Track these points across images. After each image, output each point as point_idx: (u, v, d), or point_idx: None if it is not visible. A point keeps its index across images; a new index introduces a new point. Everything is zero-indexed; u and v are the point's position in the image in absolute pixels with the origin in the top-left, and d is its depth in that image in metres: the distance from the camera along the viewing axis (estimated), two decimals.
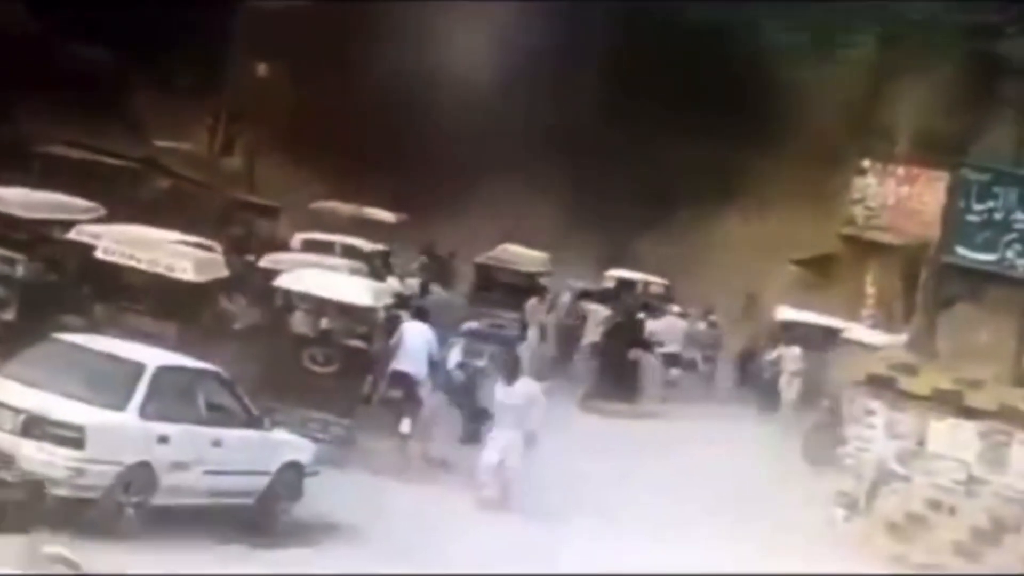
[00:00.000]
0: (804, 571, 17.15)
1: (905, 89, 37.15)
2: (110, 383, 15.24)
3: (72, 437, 14.58)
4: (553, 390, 21.49)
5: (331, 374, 20.54)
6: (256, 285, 22.32)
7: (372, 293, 21.77)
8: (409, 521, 17.28)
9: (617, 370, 27.75)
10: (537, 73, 39.23)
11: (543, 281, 32.25)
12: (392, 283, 25.98)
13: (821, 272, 38.53)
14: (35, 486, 13.88)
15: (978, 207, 21.08)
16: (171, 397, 15.53)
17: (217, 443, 15.87)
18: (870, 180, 38.91)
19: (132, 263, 20.14)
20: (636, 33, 39.40)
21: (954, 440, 19.09)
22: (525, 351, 21.07)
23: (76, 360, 15.57)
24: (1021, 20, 35.57)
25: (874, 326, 30.64)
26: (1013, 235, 20.85)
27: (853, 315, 32.25)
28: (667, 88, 38.25)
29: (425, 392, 21.03)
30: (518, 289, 30.67)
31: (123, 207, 24.82)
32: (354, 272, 24.44)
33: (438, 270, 31.29)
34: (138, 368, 15.42)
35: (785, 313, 30.67)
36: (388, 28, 38.74)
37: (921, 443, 19.37)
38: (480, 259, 32.76)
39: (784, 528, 19.01)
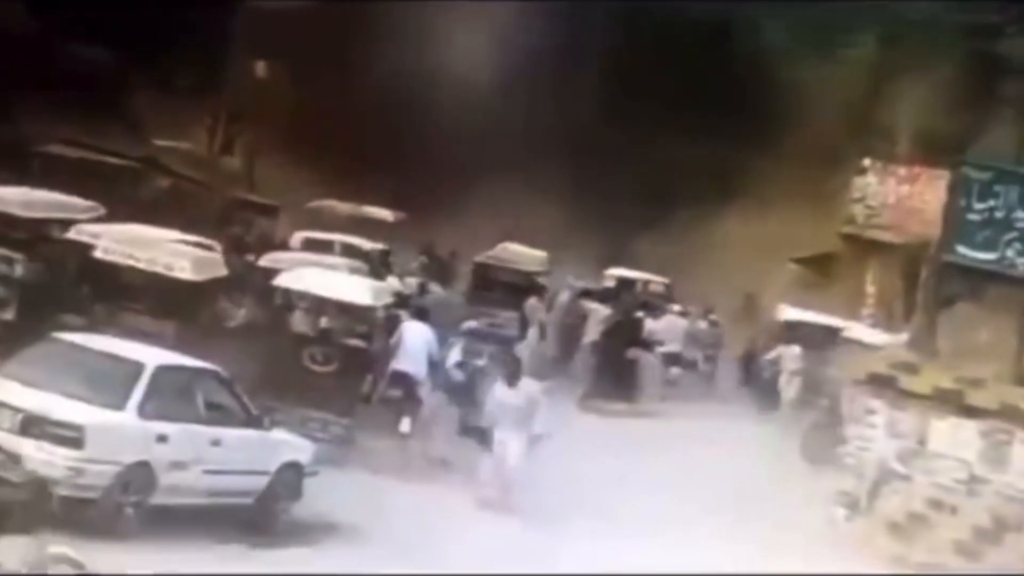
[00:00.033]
0: (805, 571, 17.11)
1: (905, 89, 37.12)
2: (109, 382, 15.23)
3: (71, 436, 14.57)
4: (552, 390, 21.44)
5: (331, 373, 20.51)
6: (255, 284, 22.30)
7: (372, 292, 21.74)
8: (409, 521, 17.26)
9: (616, 369, 27.71)
10: (537, 73, 39.21)
11: (543, 280, 32.21)
12: (392, 282, 25.96)
13: (821, 271, 38.49)
14: (40, 486, 13.84)
15: (979, 206, 21.04)
16: (170, 396, 15.52)
17: (216, 442, 15.84)
18: (870, 179, 38.87)
19: (131, 262, 20.14)
20: (636, 33, 39.37)
21: (955, 439, 19.07)
22: (525, 350, 21.02)
23: (75, 359, 15.57)
24: (1021, 20, 35.54)
25: (874, 325, 30.59)
26: (1014, 234, 20.81)
27: (853, 314, 32.19)
28: (667, 88, 38.22)
29: (425, 392, 21.01)
30: (518, 288, 30.62)
31: (122, 206, 24.78)
32: (354, 271, 24.41)
33: (438, 270, 31.26)
34: (137, 367, 15.40)
35: (786, 312, 30.63)
36: (388, 28, 38.72)
37: (922, 442, 19.35)
38: (480, 258, 32.72)
39: (784, 528, 18.99)
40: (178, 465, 15.35)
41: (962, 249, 21.13)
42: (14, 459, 13.68)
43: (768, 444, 23.81)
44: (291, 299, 21.47)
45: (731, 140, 37.63)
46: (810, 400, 25.90)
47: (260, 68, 41.76)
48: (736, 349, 32.08)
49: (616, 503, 19.26)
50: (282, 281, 21.32)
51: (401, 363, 21.01)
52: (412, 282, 27.11)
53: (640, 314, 29.56)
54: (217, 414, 16.06)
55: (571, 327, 29.30)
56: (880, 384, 19.72)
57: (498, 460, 18.80)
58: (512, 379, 19.04)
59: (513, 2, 37.80)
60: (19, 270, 20.32)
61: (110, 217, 22.93)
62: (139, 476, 15.01)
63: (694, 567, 16.67)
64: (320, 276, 21.80)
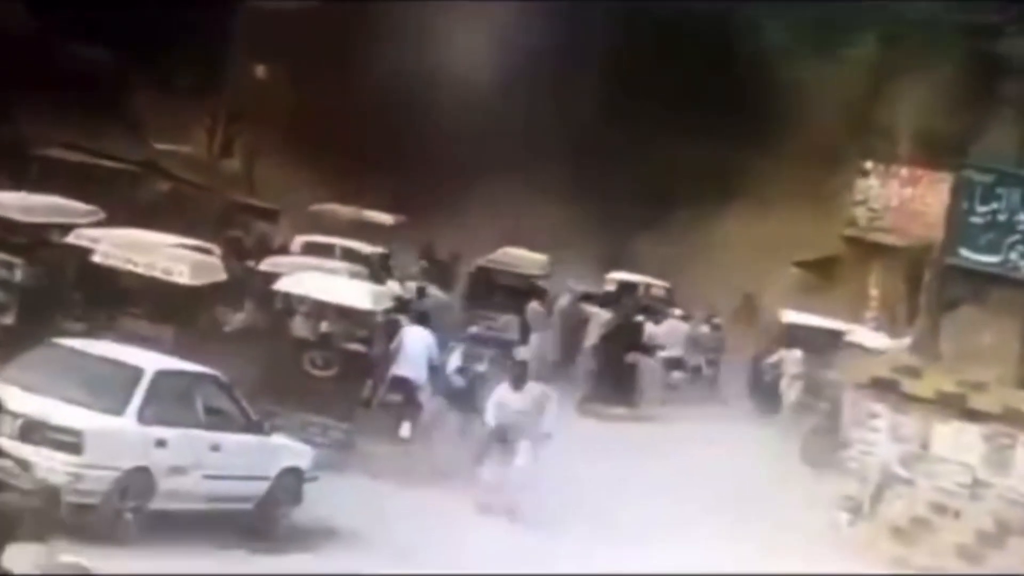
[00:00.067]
0: (806, 573, 17.08)
1: (905, 89, 37.07)
2: (108, 388, 15.20)
3: (70, 442, 14.54)
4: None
5: (331, 378, 20.48)
6: (255, 288, 22.24)
7: (372, 296, 21.71)
8: (409, 525, 17.22)
9: (616, 373, 27.64)
10: (537, 73, 39.13)
11: (543, 284, 32.12)
12: (392, 286, 25.90)
13: (824, 274, 38.45)
14: (51, 493, 13.78)
15: (981, 209, 21.02)
16: (169, 401, 15.48)
17: (216, 447, 15.81)
18: (873, 182, 38.82)
19: (129, 267, 20.10)
20: (636, 33, 39.31)
21: (958, 443, 19.05)
22: (526, 354, 20.95)
23: (74, 365, 15.54)
24: (1021, 20, 35.50)
25: (877, 328, 30.53)
26: (1016, 237, 20.80)
27: (856, 317, 32.13)
28: (667, 88, 38.15)
29: (425, 396, 20.96)
30: (518, 292, 30.54)
31: (122, 210, 24.74)
32: (354, 275, 24.37)
33: (438, 273, 31.20)
34: (136, 373, 15.37)
35: (787, 316, 30.56)
36: (388, 28, 38.65)
37: (925, 446, 19.33)
38: (480, 262, 32.64)
39: (785, 531, 18.96)
40: (177, 470, 15.31)
41: (965, 252, 21.12)
42: (24, 466, 13.59)
43: (769, 448, 23.76)
44: (291, 303, 21.44)
45: (731, 140, 37.55)
46: (811, 404, 25.84)
47: (259, 69, 41.68)
48: (738, 352, 31.93)
49: (615, 506, 19.26)
50: (282, 285, 21.29)
51: (401, 368, 20.97)
52: (412, 286, 27.04)
53: (640, 318, 29.48)
54: (217, 419, 16.03)
55: (571, 331, 29.22)
56: (883, 388, 19.70)
57: (501, 464, 18.72)
58: (518, 382, 18.98)
59: (513, 2, 37.74)
60: (19, 275, 20.29)
61: (109, 221, 22.89)
62: (138, 481, 14.97)
63: (694, 569, 16.63)
64: (320, 280, 21.78)
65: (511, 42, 37.76)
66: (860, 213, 38.75)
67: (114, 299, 20.21)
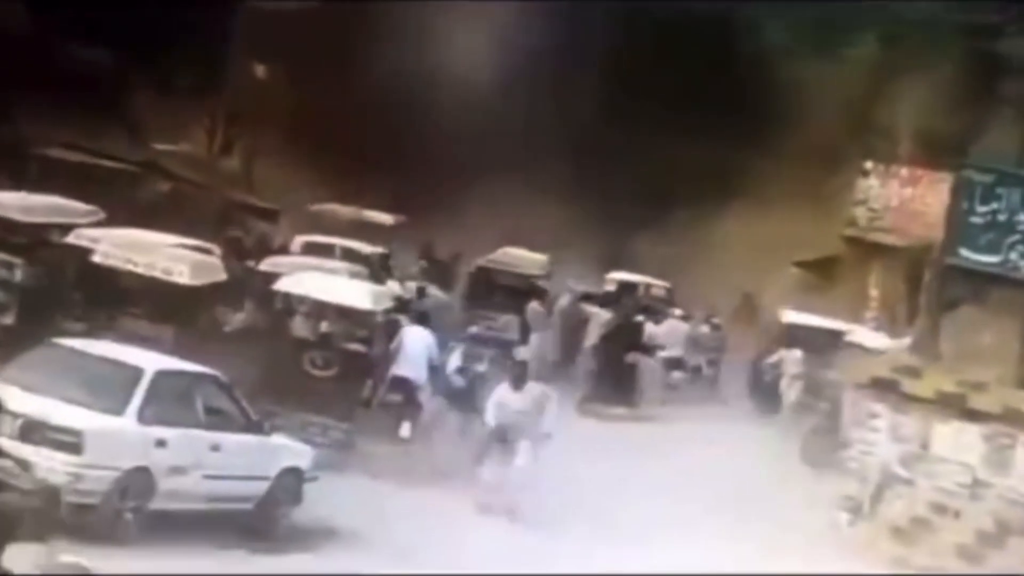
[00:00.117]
0: (806, 573, 17.07)
1: (905, 88, 37.05)
2: (108, 388, 15.19)
3: (70, 442, 14.53)
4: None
5: (331, 378, 20.47)
6: (255, 288, 22.23)
7: (372, 296, 21.69)
8: (409, 526, 17.20)
9: (615, 373, 27.62)
10: (537, 73, 39.11)
11: (544, 284, 32.10)
12: (392, 286, 25.88)
13: (824, 274, 38.43)
14: (51, 493, 13.77)
15: (981, 209, 21.01)
16: (169, 401, 15.47)
17: (216, 448, 15.80)
18: (873, 181, 38.81)
19: (129, 267, 20.08)
20: (636, 33, 39.29)
21: (958, 443, 19.03)
22: (526, 354, 20.94)
23: (74, 365, 15.53)
24: (1021, 19, 35.48)
25: (877, 328, 30.51)
26: (1016, 237, 20.79)
27: (856, 317, 32.11)
28: (667, 88, 38.12)
29: (425, 397, 20.94)
30: (518, 292, 30.52)
31: (122, 210, 24.72)
32: (354, 275, 24.36)
33: (438, 273, 31.18)
34: (136, 373, 15.36)
35: (787, 316, 30.55)
36: (388, 28, 38.62)
37: (925, 446, 19.31)
38: (480, 262, 32.62)
39: (785, 532, 18.93)
40: (177, 470, 15.30)
41: (965, 252, 21.10)
42: (24, 466, 13.58)
43: (769, 448, 23.74)
44: (291, 303, 21.41)
45: (731, 140, 37.53)
46: (811, 404, 25.83)
47: (259, 69, 41.67)
48: (739, 352, 31.91)
49: (615, 506, 19.23)
50: (282, 285, 21.27)
51: (401, 368, 20.95)
52: (412, 286, 27.02)
53: (640, 318, 29.45)
54: (216, 419, 16.02)
55: (571, 331, 29.20)
56: (883, 388, 19.69)
57: (502, 464, 18.70)
58: (519, 382, 18.96)
59: (513, 2, 37.72)
60: (19, 275, 20.28)
61: (109, 221, 22.88)
62: (138, 481, 14.96)
63: (694, 569, 16.62)
64: (320, 280, 21.76)
65: (511, 42, 37.73)
66: (860, 213, 38.73)
67: (114, 299, 20.20)
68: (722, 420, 26.53)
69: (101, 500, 14.65)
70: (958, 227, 21.38)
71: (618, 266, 36.36)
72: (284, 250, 28.96)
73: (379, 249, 31.08)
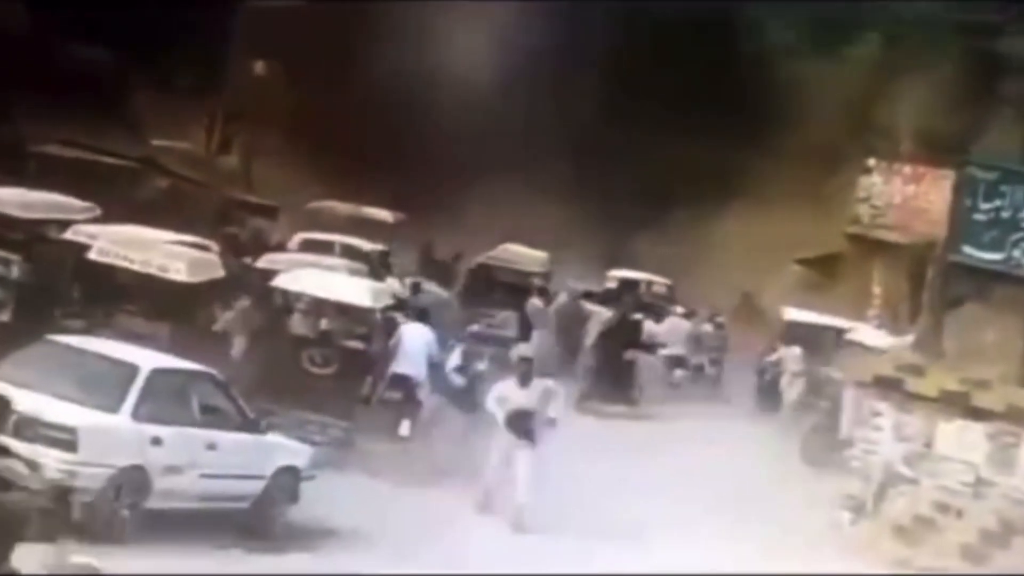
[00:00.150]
0: (807, 573, 16.97)
1: (906, 88, 37.07)
2: (103, 385, 15.10)
3: (64, 439, 14.40)
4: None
5: (330, 376, 20.39)
6: (253, 286, 22.12)
7: (371, 294, 21.60)
8: (408, 525, 17.10)
9: (614, 371, 27.51)
10: (537, 73, 39.13)
11: (544, 281, 31.99)
12: (391, 283, 25.78)
13: (826, 272, 38.43)
14: (60, 493, 13.65)
15: (985, 206, 20.91)
16: (165, 399, 15.36)
17: (212, 446, 15.70)
18: (876, 179, 38.83)
19: (126, 264, 19.99)
20: (636, 33, 39.28)
21: (961, 442, 18.93)
22: (529, 351, 20.82)
23: (70, 362, 15.44)
24: (1022, 19, 35.46)
25: (880, 326, 30.41)
26: (1020, 234, 20.69)
27: (859, 315, 32.04)
28: (667, 88, 38.14)
29: (424, 394, 20.83)
30: (518, 289, 30.43)
31: (120, 207, 24.69)
32: (353, 272, 24.27)
33: (436, 271, 31.10)
34: (132, 370, 15.27)
35: (791, 313, 30.47)
36: (388, 28, 38.63)
37: (928, 445, 19.20)
38: (480, 259, 32.56)
39: (787, 531, 18.84)
40: (173, 469, 15.19)
41: (968, 249, 21.00)
42: (32, 466, 13.46)
43: (770, 446, 23.68)
44: (290, 300, 21.31)
45: (731, 140, 37.55)
46: (812, 402, 25.75)
47: (259, 68, 41.65)
48: (743, 351, 31.77)
49: (615, 505, 19.12)
50: (280, 282, 21.19)
51: (401, 365, 20.84)
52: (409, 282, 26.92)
53: (639, 316, 29.34)
54: (212, 417, 15.91)
55: (571, 329, 29.06)
56: (886, 386, 19.59)
57: (504, 462, 18.56)
58: (525, 379, 18.82)
59: (513, 2, 37.70)
60: (15, 271, 20.20)
61: (107, 217, 22.84)
62: (133, 479, 14.85)
63: (694, 569, 16.52)
64: (319, 277, 21.69)
65: (511, 42, 37.75)
66: (863, 210, 38.73)
67: (111, 296, 20.15)
68: (723, 419, 26.44)
69: (96, 498, 14.52)
70: (961, 224, 21.28)
71: (618, 265, 36.31)
72: (282, 247, 28.89)
73: (379, 246, 31.00)
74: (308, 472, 16.84)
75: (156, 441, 15.05)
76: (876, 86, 38.48)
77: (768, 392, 28.45)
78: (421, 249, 33.65)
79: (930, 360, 20.38)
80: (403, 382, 20.82)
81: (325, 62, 38.33)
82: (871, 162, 38.83)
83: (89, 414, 14.74)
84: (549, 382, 19.22)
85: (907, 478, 19.20)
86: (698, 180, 37.94)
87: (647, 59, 38.95)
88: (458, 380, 21.39)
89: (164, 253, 20.47)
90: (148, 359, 15.74)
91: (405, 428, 20.42)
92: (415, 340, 21.00)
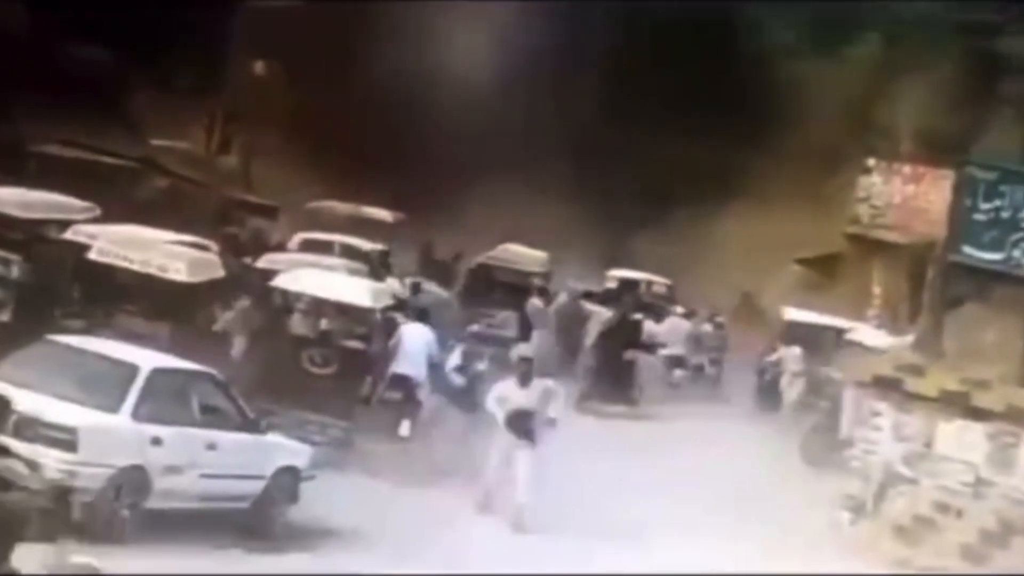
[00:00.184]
0: (807, 573, 16.96)
1: (906, 88, 37.07)
2: (103, 385, 15.09)
3: (64, 439, 14.39)
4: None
5: (329, 376, 20.37)
6: (253, 285, 22.11)
7: (371, 293, 21.59)
8: (408, 524, 17.09)
9: (614, 371, 27.49)
10: (537, 73, 39.13)
11: (544, 281, 31.98)
12: (391, 283, 25.77)
13: (826, 272, 38.43)
14: (61, 493, 13.65)
15: (984, 206, 20.92)
16: (165, 399, 15.35)
17: (212, 446, 15.69)
18: (875, 179, 38.82)
19: (125, 264, 19.98)
20: (636, 33, 39.27)
21: (961, 442, 18.92)
22: (529, 351, 20.82)
23: (69, 362, 15.43)
24: (1022, 19, 35.46)
25: (880, 326, 30.42)
26: (1020, 234, 20.70)
27: (859, 315, 32.04)
28: (667, 88, 38.14)
29: (424, 394, 20.82)
30: (518, 289, 30.42)
31: (120, 206, 24.67)
32: (353, 272, 24.26)
33: (436, 271, 31.08)
34: (132, 370, 15.25)
35: (790, 313, 30.46)
36: (388, 28, 38.63)
37: (928, 445, 19.19)
38: (480, 259, 32.56)
39: (786, 531, 18.83)
40: (173, 469, 15.18)
41: (968, 249, 21.01)
42: (32, 466, 13.45)
43: (769, 446, 23.69)
44: (289, 300, 21.30)
45: (731, 140, 37.54)
46: (811, 402, 25.75)
47: (259, 67, 41.65)
48: (744, 351, 31.76)
49: (614, 505, 19.11)
50: (280, 282, 21.18)
51: (401, 366, 20.83)
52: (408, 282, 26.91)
53: (639, 316, 29.33)
54: (212, 417, 15.90)
55: (571, 329, 29.06)
56: (886, 386, 19.58)
57: (504, 462, 18.55)
58: (525, 379, 18.81)
59: (513, 2, 37.70)
60: (15, 271, 20.19)
61: (107, 217, 22.83)
62: (133, 479, 14.84)
63: (694, 568, 16.52)
64: (318, 277, 21.68)
65: (511, 42, 37.75)
66: (863, 210, 38.72)
67: (110, 296, 20.13)
68: (723, 419, 26.42)
69: (96, 498, 14.51)
70: (961, 224, 21.29)
71: (618, 265, 36.31)
72: (282, 247, 28.87)
73: (379, 246, 30.99)
74: (308, 472, 16.83)
75: (156, 441, 15.04)
76: (876, 86, 38.48)
77: (768, 392, 28.45)
78: (421, 249, 33.65)
79: (930, 360, 20.37)
80: (403, 382, 20.81)
81: (325, 62, 38.33)
82: (871, 162, 38.82)
83: (89, 414, 14.73)
84: (549, 382, 19.22)
85: (907, 478, 19.19)
86: (698, 180, 37.93)
87: (647, 59, 38.96)
88: (458, 380, 21.39)
89: (164, 253, 20.46)
90: (148, 359, 15.72)
91: (405, 428, 20.41)
92: (415, 340, 20.99)
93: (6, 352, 15.72)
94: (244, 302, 21.15)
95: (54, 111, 32.24)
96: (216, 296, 21.24)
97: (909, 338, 23.79)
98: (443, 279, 30.01)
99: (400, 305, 23.09)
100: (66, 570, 11.07)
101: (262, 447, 16.37)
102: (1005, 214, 20.79)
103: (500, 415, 18.64)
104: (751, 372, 29.65)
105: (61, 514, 13.29)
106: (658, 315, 30.78)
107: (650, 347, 28.68)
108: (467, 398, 21.09)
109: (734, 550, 17.88)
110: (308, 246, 28.89)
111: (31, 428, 14.37)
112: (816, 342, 28.13)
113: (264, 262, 23.98)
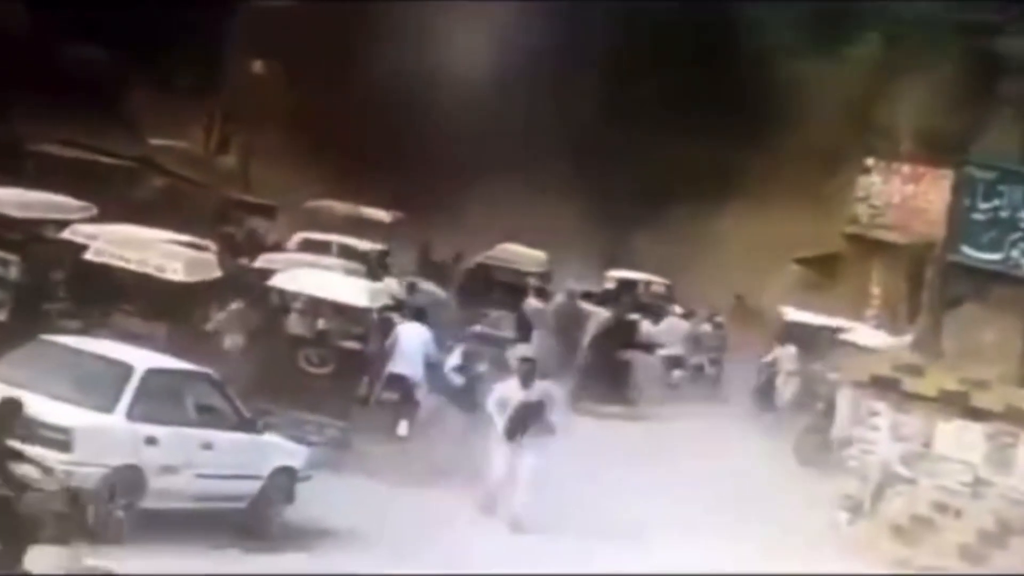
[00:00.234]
0: (807, 574, 16.94)
1: (906, 88, 37.03)
2: (98, 385, 15.09)
3: (59, 439, 14.36)
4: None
5: (326, 375, 20.35)
6: (250, 285, 22.07)
7: (368, 293, 21.56)
8: (406, 525, 17.07)
9: (610, 372, 27.46)
10: (537, 73, 39.08)
11: (543, 281, 31.93)
12: (389, 283, 25.73)
13: (825, 272, 38.39)
14: (74, 496, 13.61)
15: (983, 206, 20.91)
16: (160, 399, 15.34)
17: (207, 446, 15.67)
18: (875, 179, 38.78)
19: (122, 263, 19.95)
20: (636, 33, 39.25)
21: (960, 442, 18.91)
22: (530, 351, 20.79)
23: (64, 362, 15.43)
24: (1021, 19, 35.43)
25: (878, 326, 30.41)
26: (1019, 234, 20.70)
27: (858, 315, 32.03)
28: (667, 88, 38.11)
29: (422, 394, 20.78)
30: (516, 289, 30.38)
31: (117, 206, 24.63)
32: (350, 272, 24.22)
33: (435, 272, 31.04)
34: (127, 370, 15.25)
35: (789, 313, 30.43)
36: (388, 28, 38.59)
37: (927, 445, 19.18)
38: (479, 258, 32.53)
39: (785, 531, 18.81)
40: (168, 469, 15.17)
41: (967, 249, 21.00)
42: (46, 470, 13.43)
43: (764, 446, 23.68)
44: (286, 300, 21.27)
45: (731, 140, 37.51)
46: (807, 402, 25.73)
47: (258, 67, 41.63)
48: (743, 351, 31.72)
49: (614, 505, 19.09)
50: (277, 282, 21.16)
51: (398, 365, 20.81)
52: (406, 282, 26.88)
53: (635, 316, 29.29)
54: (208, 417, 15.90)
55: (569, 329, 29.00)
56: (884, 386, 19.57)
57: (506, 462, 18.51)
58: (527, 380, 18.77)
59: (513, 2, 37.67)
60: (12, 271, 20.15)
61: (105, 217, 22.79)
62: (128, 479, 14.83)
63: (694, 568, 16.51)
64: (316, 277, 21.65)
65: (511, 42, 37.71)
66: (862, 210, 38.68)
67: (108, 296, 20.10)
68: (721, 419, 26.41)
69: (91, 498, 14.46)
70: (960, 224, 21.28)
71: (618, 265, 36.28)
72: (280, 246, 28.84)
73: (377, 246, 30.95)
74: (305, 472, 16.82)
75: (151, 441, 15.03)
76: (876, 86, 38.45)
77: (765, 392, 28.43)
78: (420, 249, 33.62)
79: (929, 360, 20.37)
80: (400, 382, 20.79)
81: (324, 62, 38.30)
82: (870, 162, 38.77)
83: (84, 414, 14.73)
84: (548, 385, 19.18)
85: (905, 478, 19.18)
86: (697, 180, 37.90)
87: (647, 59, 38.93)
88: (457, 380, 21.37)
89: (161, 253, 20.43)
90: (143, 359, 15.72)
91: (403, 428, 20.39)
92: (412, 340, 20.97)
93: (2, 352, 15.73)
94: (237, 304, 21.11)
95: (53, 111, 32.21)
96: (214, 296, 21.21)
97: (908, 338, 23.79)
98: (441, 279, 29.97)
99: (397, 305, 23.06)
100: (78, 571, 11.04)
101: (258, 447, 16.35)
102: (1004, 214, 20.78)
103: (500, 420, 18.59)
104: (751, 372, 29.62)
105: (75, 517, 13.27)
106: (657, 315, 30.75)
107: (648, 347, 28.66)
108: (467, 398, 21.06)
109: (733, 550, 17.86)
110: (306, 246, 28.86)
111: (27, 428, 14.30)
112: (812, 342, 28.11)
113: (262, 262, 23.95)
